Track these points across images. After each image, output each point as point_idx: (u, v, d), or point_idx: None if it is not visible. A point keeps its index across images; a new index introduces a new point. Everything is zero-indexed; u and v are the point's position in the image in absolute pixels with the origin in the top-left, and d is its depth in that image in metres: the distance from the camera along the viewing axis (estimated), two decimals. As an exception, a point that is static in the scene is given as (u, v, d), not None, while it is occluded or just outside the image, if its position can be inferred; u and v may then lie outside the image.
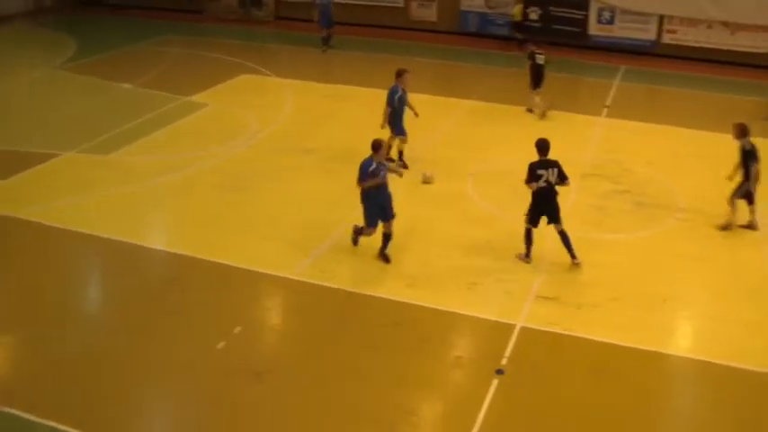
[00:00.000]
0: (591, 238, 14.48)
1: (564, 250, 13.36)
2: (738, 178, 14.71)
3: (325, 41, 27.86)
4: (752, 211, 14.86)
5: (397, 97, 16.93)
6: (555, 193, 13.29)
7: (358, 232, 13.72)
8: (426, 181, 16.65)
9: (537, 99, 21.48)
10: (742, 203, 14.78)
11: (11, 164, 17.23)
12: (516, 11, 29.41)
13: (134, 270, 13.42)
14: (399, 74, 17.11)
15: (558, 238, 13.37)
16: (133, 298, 12.45)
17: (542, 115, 21.24)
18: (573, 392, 10.41)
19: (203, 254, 13.64)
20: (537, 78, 21.47)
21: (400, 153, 17.42)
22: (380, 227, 13.49)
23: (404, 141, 17.38)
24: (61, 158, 17.77)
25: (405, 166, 16.66)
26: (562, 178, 13.20)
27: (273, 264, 13.33)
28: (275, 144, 18.87)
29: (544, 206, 13.29)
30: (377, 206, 13.29)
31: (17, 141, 18.69)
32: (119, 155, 18.04)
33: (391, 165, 13.85)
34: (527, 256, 13.56)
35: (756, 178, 14.57)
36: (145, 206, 15.75)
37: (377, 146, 13.10)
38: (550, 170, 13.09)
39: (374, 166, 12.99)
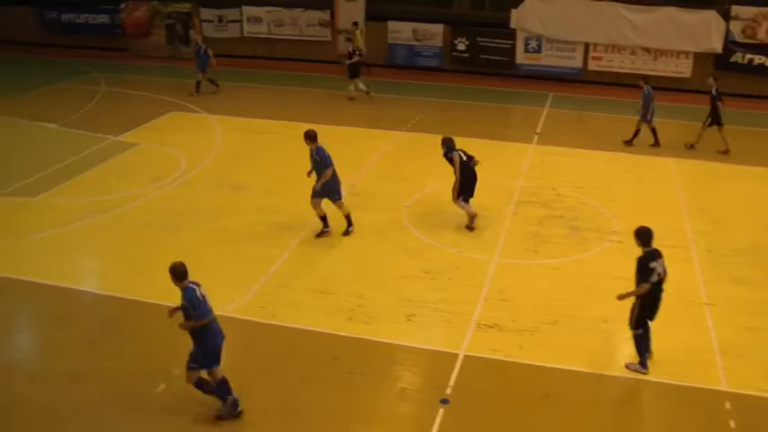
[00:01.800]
0: (528, 264, 14.60)
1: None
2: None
3: (214, 82, 27.11)
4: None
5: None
6: (662, 289, 11.28)
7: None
8: None
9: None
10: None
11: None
12: (357, 38, 28.97)
13: (66, 315, 13.00)
14: None
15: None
16: (66, 344, 12.07)
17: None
18: (518, 419, 10.41)
19: (139, 295, 13.33)
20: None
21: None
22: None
23: (314, 206, 15.46)
24: (-14, 203, 17.28)
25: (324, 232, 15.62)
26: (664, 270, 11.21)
27: (212, 302, 13.04)
28: (206, 181, 18.63)
29: (656, 305, 11.22)
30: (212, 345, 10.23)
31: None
32: (46, 197, 17.58)
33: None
34: (644, 366, 11.36)
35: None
36: (75, 249, 15.36)
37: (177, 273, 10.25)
38: (659, 261, 11.06)
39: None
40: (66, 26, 35.19)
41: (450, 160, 15.84)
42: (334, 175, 15.33)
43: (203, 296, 10.07)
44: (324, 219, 15.61)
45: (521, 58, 29.57)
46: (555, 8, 28.53)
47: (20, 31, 35.53)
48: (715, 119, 20.90)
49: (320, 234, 15.59)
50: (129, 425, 10.26)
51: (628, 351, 11.67)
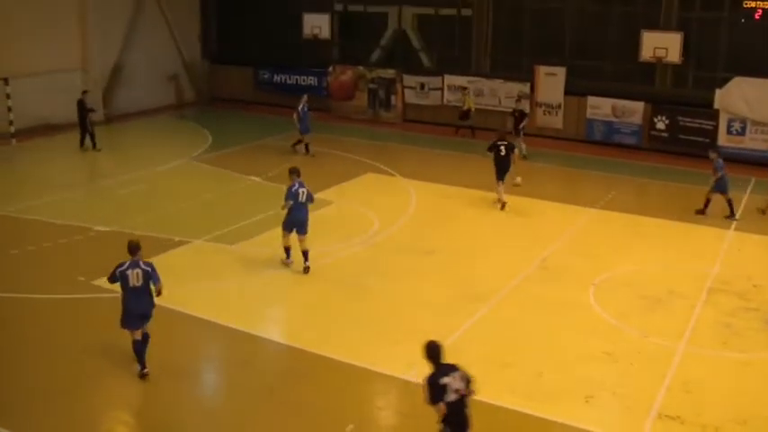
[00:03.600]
0: (717, 357, 13.95)
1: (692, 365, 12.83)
2: None
3: (303, 145, 27.82)
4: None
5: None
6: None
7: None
8: None
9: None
10: None
11: (145, 248, 17.85)
12: (468, 100, 31.99)
13: (250, 361, 13.63)
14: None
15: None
16: (247, 390, 12.61)
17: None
18: None
19: (319, 349, 13.77)
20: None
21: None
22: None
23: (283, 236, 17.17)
24: (190, 246, 18.51)
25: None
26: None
27: (389, 364, 13.31)
28: (396, 243, 19.05)
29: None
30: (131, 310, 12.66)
31: (152, 227, 19.54)
32: (244, 245, 18.59)
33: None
34: None
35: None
36: (264, 297, 16.10)
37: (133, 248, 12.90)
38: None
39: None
40: (278, 86, 37.41)
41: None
42: (303, 210, 16.88)
43: (123, 274, 12.49)
44: (287, 250, 17.23)
45: (723, 139, 28.44)
46: (763, 90, 27.44)
47: (237, 89, 38.58)
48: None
49: (284, 262, 17.32)
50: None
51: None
